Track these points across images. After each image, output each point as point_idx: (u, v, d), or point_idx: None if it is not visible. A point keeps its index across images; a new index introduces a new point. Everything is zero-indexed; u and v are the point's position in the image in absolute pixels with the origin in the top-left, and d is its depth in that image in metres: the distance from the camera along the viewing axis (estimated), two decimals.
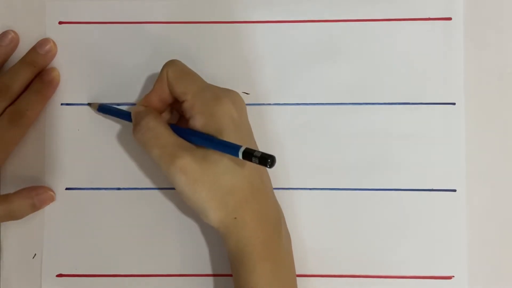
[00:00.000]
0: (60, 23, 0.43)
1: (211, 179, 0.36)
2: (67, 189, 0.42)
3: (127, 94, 0.43)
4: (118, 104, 0.43)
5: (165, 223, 0.42)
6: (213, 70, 0.42)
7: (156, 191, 0.42)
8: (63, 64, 0.43)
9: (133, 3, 0.43)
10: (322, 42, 0.42)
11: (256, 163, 0.33)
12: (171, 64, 0.39)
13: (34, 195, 0.41)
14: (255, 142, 0.40)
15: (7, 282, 0.42)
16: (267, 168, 0.33)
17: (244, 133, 0.37)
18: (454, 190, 0.41)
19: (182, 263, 0.42)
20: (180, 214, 0.42)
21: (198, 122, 0.37)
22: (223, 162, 0.36)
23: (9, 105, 0.41)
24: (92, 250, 0.42)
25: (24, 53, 0.42)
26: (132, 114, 0.39)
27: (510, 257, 0.41)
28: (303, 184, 0.42)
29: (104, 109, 0.42)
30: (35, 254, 0.42)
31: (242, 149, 0.34)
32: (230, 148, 0.35)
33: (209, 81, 0.42)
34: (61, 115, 0.43)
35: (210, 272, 0.42)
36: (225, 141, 0.35)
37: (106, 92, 0.43)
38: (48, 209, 0.42)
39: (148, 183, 0.42)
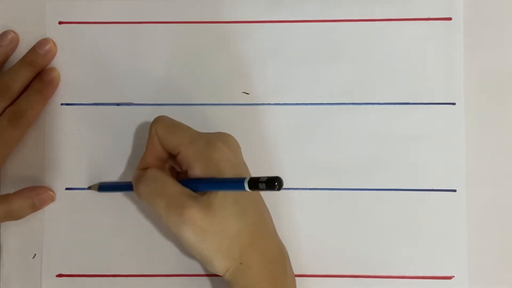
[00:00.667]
0: (60, 23, 0.43)
1: (217, 227, 0.35)
2: (67, 189, 0.42)
3: (127, 94, 0.43)
4: (118, 104, 0.43)
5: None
6: (213, 70, 0.42)
7: None
8: (63, 64, 0.43)
9: (133, 3, 0.43)
10: (322, 42, 0.42)
11: (264, 189, 0.32)
12: (158, 121, 0.38)
13: (34, 195, 0.41)
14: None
15: (7, 282, 0.42)
16: (275, 191, 0.32)
17: (243, 172, 0.37)
18: (454, 190, 0.41)
19: (182, 263, 0.42)
20: None
21: (197, 170, 0.36)
22: (228, 207, 0.35)
23: (9, 105, 0.41)
24: (92, 250, 0.42)
25: (24, 53, 0.42)
26: (133, 178, 0.38)
27: (510, 257, 0.41)
28: (303, 184, 0.42)
29: (105, 188, 0.41)
30: (35, 254, 0.42)
31: (247, 180, 0.33)
32: (235, 183, 0.34)
33: (209, 81, 0.42)
34: (61, 115, 0.43)
35: (211, 272, 0.42)
36: (229, 178, 0.35)
37: (106, 92, 0.43)
38: (48, 209, 0.42)
39: None
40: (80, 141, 0.42)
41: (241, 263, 0.36)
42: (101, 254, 0.42)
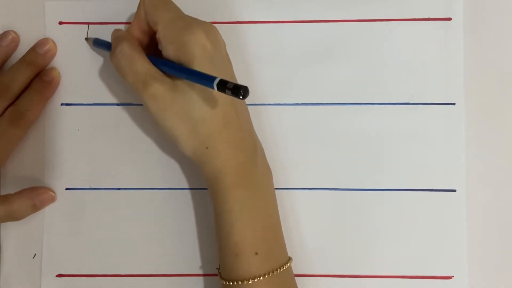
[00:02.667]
0: (60, 23, 0.43)
1: (180, 107, 0.36)
2: (67, 189, 0.42)
3: (127, 94, 0.43)
4: (118, 104, 0.43)
5: (165, 223, 0.42)
6: None
7: (156, 191, 0.42)
8: (63, 64, 0.43)
9: (133, 3, 0.43)
10: (322, 42, 0.42)
11: (230, 95, 0.32)
12: None
13: (34, 195, 0.41)
14: (232, 77, 0.39)
15: (7, 282, 0.42)
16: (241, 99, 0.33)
17: (219, 66, 0.37)
18: (454, 190, 0.41)
19: (183, 263, 0.42)
20: (180, 215, 0.42)
21: (170, 52, 0.37)
22: (194, 93, 0.36)
23: (9, 105, 0.41)
24: (92, 250, 0.42)
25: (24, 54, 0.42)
26: (111, 38, 0.39)
27: (510, 257, 0.41)
28: (302, 184, 0.42)
29: (99, 43, 0.41)
30: (35, 254, 0.42)
31: (216, 81, 0.33)
32: (204, 79, 0.34)
33: None
34: (61, 115, 0.43)
35: (211, 272, 0.42)
36: (199, 72, 0.35)
37: (106, 92, 0.43)
38: (48, 209, 0.42)
39: (148, 183, 0.42)
40: (80, 141, 0.42)
41: (207, 148, 0.37)
42: (101, 254, 0.42)
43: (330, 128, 0.42)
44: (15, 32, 0.43)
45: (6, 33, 0.42)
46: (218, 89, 0.33)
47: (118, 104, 0.43)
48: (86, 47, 0.43)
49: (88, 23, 0.43)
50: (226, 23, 0.43)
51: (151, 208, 0.42)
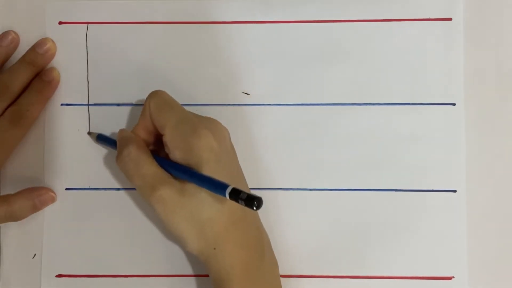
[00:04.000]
0: (60, 23, 0.43)
1: (189, 211, 0.36)
2: (67, 189, 0.42)
3: (127, 94, 0.43)
4: (118, 105, 0.43)
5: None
6: (213, 70, 0.42)
7: None
8: (63, 64, 0.43)
9: (133, 3, 0.43)
10: (322, 43, 0.42)
11: (242, 205, 0.32)
12: (154, 95, 0.38)
13: (35, 196, 0.41)
14: (238, 170, 0.39)
15: (7, 282, 0.42)
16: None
17: (225, 163, 0.37)
18: (454, 191, 0.41)
19: (183, 263, 0.42)
20: None
21: (177, 156, 0.36)
22: (202, 195, 0.36)
23: (9, 105, 0.41)
24: (92, 250, 0.42)
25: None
26: (117, 139, 0.39)
27: (510, 257, 0.41)
28: (302, 184, 0.42)
29: (102, 139, 0.41)
30: (35, 254, 0.42)
31: (229, 189, 0.32)
32: (215, 186, 0.34)
33: (209, 81, 0.42)
34: (61, 115, 0.43)
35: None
36: (210, 178, 0.35)
37: (106, 92, 0.43)
38: (48, 209, 0.42)
39: None
40: (80, 141, 0.42)
41: (214, 248, 0.36)
42: (101, 254, 0.42)
43: (330, 128, 0.42)
44: (15, 32, 0.43)
45: (6, 33, 0.42)
46: (231, 197, 0.32)
47: (118, 105, 0.43)
48: (86, 47, 0.43)
49: (88, 23, 0.43)
50: (226, 23, 0.43)
51: (151, 208, 0.42)
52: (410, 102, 0.42)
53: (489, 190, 0.42)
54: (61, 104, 0.43)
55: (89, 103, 0.43)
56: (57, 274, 0.42)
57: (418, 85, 0.42)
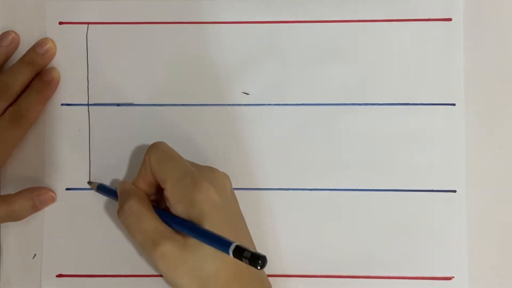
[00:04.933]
0: (60, 23, 0.43)
1: (191, 266, 0.35)
2: (67, 189, 0.42)
3: (127, 94, 0.43)
4: (118, 105, 0.43)
5: None
6: (213, 70, 0.42)
7: None
8: (63, 64, 0.43)
9: (133, 3, 0.43)
10: (322, 43, 0.42)
11: (246, 263, 0.31)
12: (154, 149, 0.38)
13: (35, 196, 0.41)
14: (240, 220, 0.39)
15: (7, 282, 0.42)
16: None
17: (227, 215, 0.37)
18: (454, 191, 0.41)
19: None
20: None
21: (178, 210, 0.36)
22: (204, 250, 0.35)
23: (9, 105, 0.41)
24: (92, 250, 0.42)
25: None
26: (118, 192, 0.39)
27: (510, 257, 0.41)
28: (302, 184, 0.42)
29: (103, 189, 0.41)
30: (35, 254, 0.42)
31: (232, 247, 0.32)
32: (218, 243, 0.33)
33: (209, 81, 0.42)
34: (61, 115, 0.43)
35: None
36: (213, 234, 0.34)
37: (106, 92, 0.43)
38: (48, 209, 0.42)
39: None
40: (80, 141, 0.42)
41: None
42: (101, 254, 0.42)
43: (330, 128, 0.42)
44: (15, 33, 0.43)
45: (6, 33, 0.42)
46: (234, 255, 0.32)
47: (118, 105, 0.43)
48: (86, 47, 0.43)
49: (88, 23, 0.43)
50: (226, 24, 0.43)
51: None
52: (410, 102, 0.42)
53: (489, 190, 0.42)
54: (61, 104, 0.43)
55: (89, 103, 0.43)
56: (58, 274, 0.42)
57: (418, 85, 0.42)
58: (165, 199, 0.37)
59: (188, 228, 0.35)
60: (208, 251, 0.35)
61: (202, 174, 0.37)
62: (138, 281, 0.42)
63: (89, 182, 0.42)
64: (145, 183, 0.39)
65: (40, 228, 0.42)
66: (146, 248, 0.36)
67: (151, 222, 0.37)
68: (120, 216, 0.38)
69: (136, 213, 0.37)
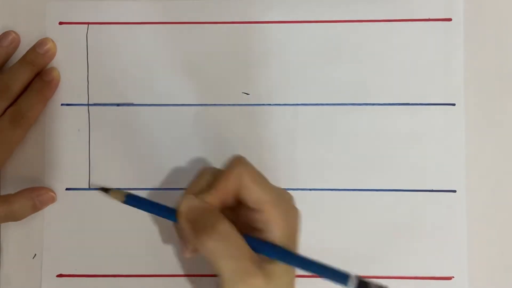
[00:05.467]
0: (60, 23, 0.43)
1: None
2: (67, 189, 0.42)
3: (127, 94, 0.43)
4: (118, 105, 0.43)
5: (164, 224, 0.42)
6: (213, 70, 0.42)
7: (157, 191, 0.42)
8: (63, 64, 0.43)
9: (133, 3, 0.43)
10: (323, 43, 0.42)
11: None
12: (244, 164, 0.35)
13: (35, 196, 0.41)
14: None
15: (7, 282, 0.42)
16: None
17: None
18: (454, 191, 0.41)
19: (182, 263, 0.42)
20: None
21: (276, 236, 0.34)
22: (284, 277, 0.34)
23: (10, 105, 0.41)
24: (92, 250, 0.42)
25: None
26: (195, 210, 0.34)
27: (510, 257, 0.41)
28: (303, 184, 0.42)
29: (132, 201, 0.36)
30: (35, 254, 0.42)
31: (355, 280, 0.31)
32: (336, 276, 0.32)
33: (209, 81, 0.42)
34: (61, 115, 0.43)
35: (210, 273, 0.42)
36: (332, 268, 0.33)
37: (106, 92, 0.43)
38: (48, 209, 0.42)
39: (148, 183, 0.42)
40: (80, 141, 0.42)
41: None
42: (101, 254, 0.42)
43: (330, 128, 0.42)
44: (15, 33, 0.43)
45: (6, 33, 0.42)
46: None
47: (118, 105, 0.43)
48: (86, 47, 0.43)
49: (88, 23, 0.43)
50: (226, 24, 0.43)
51: None
52: (410, 102, 0.42)
53: (489, 190, 0.42)
54: (61, 104, 0.43)
55: (89, 103, 0.43)
56: (58, 274, 0.42)
57: (418, 85, 0.42)
58: (252, 221, 0.35)
59: (290, 257, 0.34)
60: (286, 279, 0.34)
61: (291, 198, 0.37)
62: (138, 281, 0.42)
63: (107, 189, 0.37)
64: (219, 201, 0.34)
65: (40, 228, 0.42)
66: (237, 277, 0.32)
67: (243, 247, 0.33)
68: (208, 238, 0.33)
69: (228, 236, 0.33)
